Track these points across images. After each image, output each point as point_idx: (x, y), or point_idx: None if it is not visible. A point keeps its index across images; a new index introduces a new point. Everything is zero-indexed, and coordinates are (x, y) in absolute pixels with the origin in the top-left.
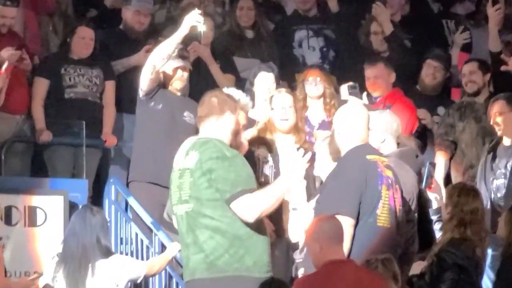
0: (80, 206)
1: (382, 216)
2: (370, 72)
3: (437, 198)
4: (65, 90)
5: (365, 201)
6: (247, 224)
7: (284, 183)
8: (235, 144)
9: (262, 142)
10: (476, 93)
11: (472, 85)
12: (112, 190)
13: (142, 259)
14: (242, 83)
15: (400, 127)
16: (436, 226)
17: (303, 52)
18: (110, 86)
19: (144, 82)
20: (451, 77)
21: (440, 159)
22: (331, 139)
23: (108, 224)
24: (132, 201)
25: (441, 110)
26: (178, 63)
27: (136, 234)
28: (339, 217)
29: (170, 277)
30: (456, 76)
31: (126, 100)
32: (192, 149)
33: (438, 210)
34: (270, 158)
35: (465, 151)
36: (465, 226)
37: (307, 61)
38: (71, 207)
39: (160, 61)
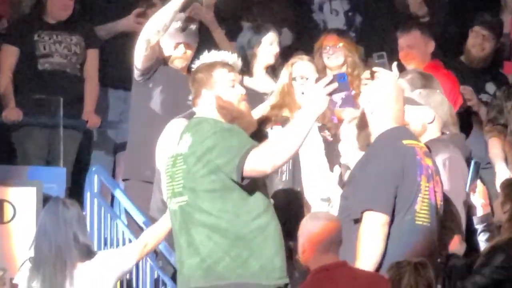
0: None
1: (422, 213)
2: (404, 41)
3: (483, 204)
4: (39, 61)
5: (402, 195)
6: (254, 221)
7: (304, 117)
8: (235, 122)
9: (277, 120)
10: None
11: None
12: (94, 180)
13: None
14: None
15: (451, 110)
16: (481, 238)
17: (324, 16)
18: (92, 56)
19: (138, 60)
20: (502, 47)
21: (495, 145)
22: (360, 121)
23: (85, 219)
24: (119, 195)
25: (490, 87)
26: (180, 38)
27: (123, 234)
28: (371, 213)
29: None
30: (508, 46)
31: (111, 73)
32: (185, 132)
33: (485, 218)
34: None
35: None
36: None
37: (329, 27)
38: (46, 201)
39: (155, 33)
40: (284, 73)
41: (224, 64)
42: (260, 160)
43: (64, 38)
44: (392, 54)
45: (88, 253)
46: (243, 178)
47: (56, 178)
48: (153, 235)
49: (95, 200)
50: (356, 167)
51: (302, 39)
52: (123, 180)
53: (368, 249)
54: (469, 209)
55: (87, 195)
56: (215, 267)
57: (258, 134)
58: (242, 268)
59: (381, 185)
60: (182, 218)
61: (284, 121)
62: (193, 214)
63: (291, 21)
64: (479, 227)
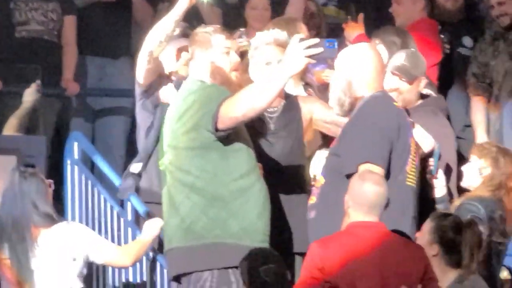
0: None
1: (411, 174)
2: None
3: (443, 185)
4: (16, 28)
5: (396, 153)
6: (234, 182)
7: (279, 72)
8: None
9: None
10: (510, 26)
11: (504, 18)
12: (74, 147)
13: (112, 229)
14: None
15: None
16: None
17: None
18: (69, 22)
19: (141, 74)
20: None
21: (479, 106)
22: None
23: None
24: (99, 161)
25: (467, 40)
26: (182, 42)
27: (105, 201)
28: (368, 165)
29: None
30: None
31: (89, 40)
32: (177, 95)
33: (444, 198)
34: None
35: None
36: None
37: None
38: None
39: (158, 45)
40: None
41: (223, 31)
42: (232, 107)
43: (40, 5)
44: (375, 19)
45: (51, 220)
46: (219, 130)
47: (36, 147)
48: (134, 247)
49: (76, 167)
50: (347, 126)
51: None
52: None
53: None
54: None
55: (67, 163)
56: (194, 227)
57: None
58: (221, 229)
59: (378, 139)
60: (165, 178)
61: None
62: (174, 173)
63: None
64: (440, 206)
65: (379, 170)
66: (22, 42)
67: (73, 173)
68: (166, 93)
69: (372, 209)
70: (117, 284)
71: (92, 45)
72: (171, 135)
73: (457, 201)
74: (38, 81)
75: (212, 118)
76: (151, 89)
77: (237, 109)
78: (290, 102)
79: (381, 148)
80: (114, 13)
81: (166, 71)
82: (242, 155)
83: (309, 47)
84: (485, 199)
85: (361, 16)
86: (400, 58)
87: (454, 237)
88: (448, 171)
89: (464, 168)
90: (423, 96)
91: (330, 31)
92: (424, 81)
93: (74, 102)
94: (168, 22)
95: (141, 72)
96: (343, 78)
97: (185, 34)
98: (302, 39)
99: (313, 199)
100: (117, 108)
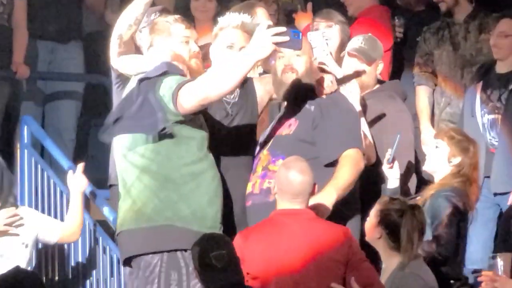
0: None
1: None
2: None
3: (396, 177)
4: None
5: None
6: (186, 167)
7: (244, 58)
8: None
9: None
10: (449, 13)
11: (441, 4)
12: (25, 131)
13: (62, 214)
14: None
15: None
16: None
17: None
18: (20, 6)
19: (113, 58)
20: None
21: (421, 95)
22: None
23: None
24: (49, 145)
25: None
26: None
27: (55, 185)
28: (352, 150)
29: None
30: None
31: (39, 24)
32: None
33: (396, 190)
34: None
35: (442, 86)
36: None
37: None
38: None
39: (127, 28)
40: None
41: (183, 21)
42: (193, 90)
43: None
44: (327, 4)
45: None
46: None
47: None
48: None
49: (25, 151)
50: (316, 112)
51: None
52: (110, 186)
53: (347, 172)
54: (383, 181)
55: (17, 146)
56: (145, 209)
57: None
58: (171, 211)
59: (357, 127)
60: (120, 164)
61: None
62: (128, 156)
63: None
64: None
65: (361, 153)
66: None
67: (23, 156)
68: (124, 64)
69: (296, 197)
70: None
71: (42, 28)
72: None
73: (430, 190)
74: None
75: (172, 98)
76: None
77: (198, 93)
78: (245, 87)
79: (360, 135)
80: None
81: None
82: (195, 141)
83: (276, 34)
84: (458, 190)
85: (309, 5)
86: (357, 41)
87: (396, 220)
88: (405, 156)
89: (429, 152)
90: (379, 81)
91: (286, 19)
92: (381, 65)
93: (25, 86)
94: (138, 5)
95: (113, 57)
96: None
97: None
98: (269, 26)
99: (270, 182)
100: (68, 92)
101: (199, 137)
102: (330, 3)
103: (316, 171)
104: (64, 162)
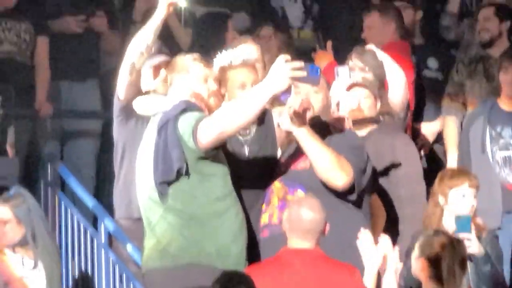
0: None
1: None
2: (365, 21)
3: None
4: None
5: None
6: (210, 205)
7: (260, 91)
8: None
9: None
10: (489, 44)
11: (485, 33)
12: (48, 169)
13: (86, 252)
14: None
15: None
16: None
17: (283, 3)
18: (42, 43)
19: (122, 88)
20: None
21: (451, 126)
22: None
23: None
24: (73, 183)
25: (432, 62)
26: (157, 60)
27: (79, 223)
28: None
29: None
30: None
31: (58, 63)
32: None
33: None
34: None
35: None
36: None
37: (288, 15)
38: None
39: (139, 56)
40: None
41: (202, 59)
42: (210, 124)
43: (14, 25)
44: (348, 42)
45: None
46: (200, 149)
47: (8, 168)
48: None
49: (49, 189)
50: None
51: (260, 25)
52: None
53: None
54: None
55: (41, 184)
56: (169, 248)
57: None
58: (196, 249)
59: (359, 162)
60: (143, 203)
61: None
62: (152, 196)
63: (249, 6)
64: None
65: (350, 178)
66: None
67: (46, 194)
68: (143, 105)
69: (306, 235)
70: None
71: (60, 68)
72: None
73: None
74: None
75: (191, 134)
76: (129, 105)
77: (215, 126)
78: (264, 120)
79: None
80: (83, 40)
81: (143, 89)
82: (219, 179)
83: (294, 69)
84: None
85: (329, 44)
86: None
87: (437, 253)
88: (417, 188)
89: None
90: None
91: (305, 55)
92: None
93: (49, 125)
94: (148, 32)
95: (122, 86)
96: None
97: (160, 51)
98: (287, 60)
99: None
100: (86, 130)
101: (222, 173)
102: (350, 39)
103: (335, 204)
104: (88, 199)
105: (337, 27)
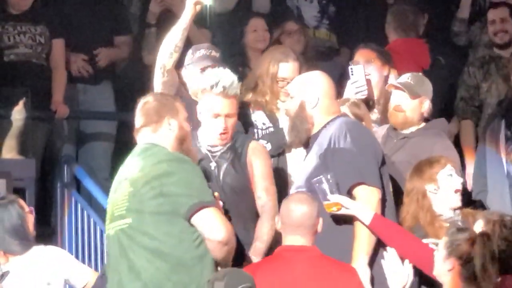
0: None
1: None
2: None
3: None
4: (4, 52)
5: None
6: (195, 248)
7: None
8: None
9: (258, 105)
10: (507, 45)
11: (503, 35)
12: (65, 170)
13: (102, 252)
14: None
15: None
16: None
17: (299, 3)
18: (58, 46)
19: (157, 89)
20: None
21: (468, 130)
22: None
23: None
24: (89, 184)
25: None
26: (206, 62)
27: (95, 224)
28: (365, 188)
29: None
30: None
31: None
32: (134, 157)
33: None
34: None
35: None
36: None
37: (304, 14)
38: (15, 193)
39: (169, 56)
40: (266, 59)
41: (178, 98)
42: (212, 223)
43: (29, 28)
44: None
45: (27, 247)
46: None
47: (26, 170)
48: None
49: (66, 190)
50: (320, 152)
51: (275, 25)
52: None
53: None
54: None
55: (58, 185)
56: None
57: (242, 118)
58: None
59: (371, 160)
60: (122, 243)
61: (264, 106)
62: (135, 237)
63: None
64: None
65: (377, 192)
66: (10, 66)
67: (63, 195)
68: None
69: (297, 229)
70: None
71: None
72: (134, 200)
73: None
74: (24, 99)
75: (189, 209)
76: None
77: (217, 230)
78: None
79: (375, 169)
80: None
81: (191, 92)
82: None
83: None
84: None
85: None
86: (405, 77)
87: (468, 250)
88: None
89: None
90: (425, 120)
91: (320, 54)
92: (427, 103)
93: (66, 127)
94: (177, 33)
95: (158, 87)
96: (296, 105)
97: (208, 55)
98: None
99: None
100: (101, 132)
101: None
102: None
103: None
104: (104, 201)
105: (352, 27)
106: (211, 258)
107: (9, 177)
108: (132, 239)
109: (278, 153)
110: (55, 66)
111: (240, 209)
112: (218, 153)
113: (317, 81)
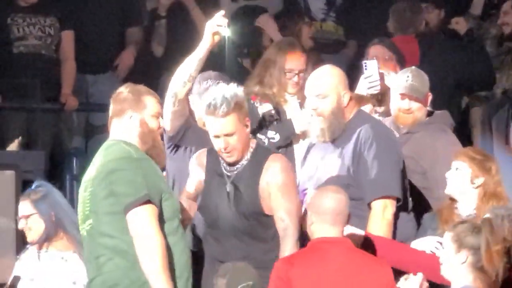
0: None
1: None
2: None
3: None
4: (14, 44)
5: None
6: None
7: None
8: (149, 152)
9: (264, 98)
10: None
11: (506, 27)
12: (74, 163)
13: None
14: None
15: None
16: None
17: None
18: (67, 37)
19: (167, 119)
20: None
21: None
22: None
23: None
24: None
25: None
26: None
27: None
28: (385, 201)
29: None
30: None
31: (82, 57)
32: (97, 155)
33: None
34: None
35: None
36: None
37: (311, 7)
38: (24, 185)
39: (182, 85)
40: (273, 51)
41: (153, 94)
42: (142, 222)
43: (38, 20)
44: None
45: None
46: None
47: (35, 162)
48: None
49: (75, 182)
50: (345, 154)
51: (282, 17)
52: None
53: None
54: None
55: (67, 178)
56: None
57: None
58: None
59: (394, 169)
60: (89, 243)
61: (272, 99)
62: (97, 238)
63: None
64: None
65: (390, 204)
66: (20, 57)
67: (72, 188)
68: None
69: (336, 217)
70: None
71: (85, 62)
72: (93, 199)
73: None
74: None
75: (126, 207)
76: (178, 135)
77: (145, 228)
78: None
79: (400, 181)
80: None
81: (199, 122)
82: (161, 217)
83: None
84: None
85: None
86: (406, 77)
87: (476, 239)
88: None
89: (450, 175)
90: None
91: (327, 47)
92: (430, 97)
93: (75, 118)
94: (192, 62)
95: (167, 116)
96: (333, 103)
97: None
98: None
99: None
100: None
101: (167, 213)
102: (374, 31)
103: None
104: None
105: (360, 19)
106: (180, 250)
107: (18, 169)
108: (95, 239)
109: (287, 143)
110: (64, 57)
111: (258, 233)
112: (235, 172)
113: (342, 76)
